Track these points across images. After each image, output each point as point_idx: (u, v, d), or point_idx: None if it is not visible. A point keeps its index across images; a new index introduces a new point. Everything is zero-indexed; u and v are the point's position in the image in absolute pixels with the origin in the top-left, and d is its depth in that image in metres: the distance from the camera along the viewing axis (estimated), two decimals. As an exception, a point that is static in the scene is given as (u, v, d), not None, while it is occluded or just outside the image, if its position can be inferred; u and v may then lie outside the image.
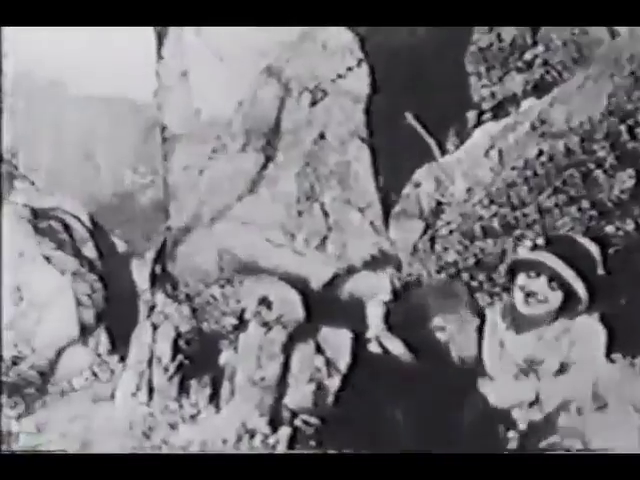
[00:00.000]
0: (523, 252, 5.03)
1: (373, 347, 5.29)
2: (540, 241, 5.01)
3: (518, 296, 4.96)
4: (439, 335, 5.20)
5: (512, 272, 5.03)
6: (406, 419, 5.00)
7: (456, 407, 5.02)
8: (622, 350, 4.99)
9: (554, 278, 4.88)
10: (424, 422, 4.97)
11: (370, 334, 5.33)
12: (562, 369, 4.95)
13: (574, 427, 4.80)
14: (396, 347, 5.20)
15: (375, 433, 4.98)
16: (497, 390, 5.02)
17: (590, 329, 4.96)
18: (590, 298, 4.92)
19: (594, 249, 4.99)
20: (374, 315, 5.37)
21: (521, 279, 4.96)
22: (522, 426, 4.93)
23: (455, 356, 5.17)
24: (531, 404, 4.94)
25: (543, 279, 4.90)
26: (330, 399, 5.17)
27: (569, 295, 4.91)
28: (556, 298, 4.91)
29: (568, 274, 4.88)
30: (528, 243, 5.04)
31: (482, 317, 5.21)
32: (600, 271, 4.97)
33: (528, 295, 4.92)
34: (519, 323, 5.03)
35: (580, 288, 4.89)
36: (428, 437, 4.91)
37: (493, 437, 4.96)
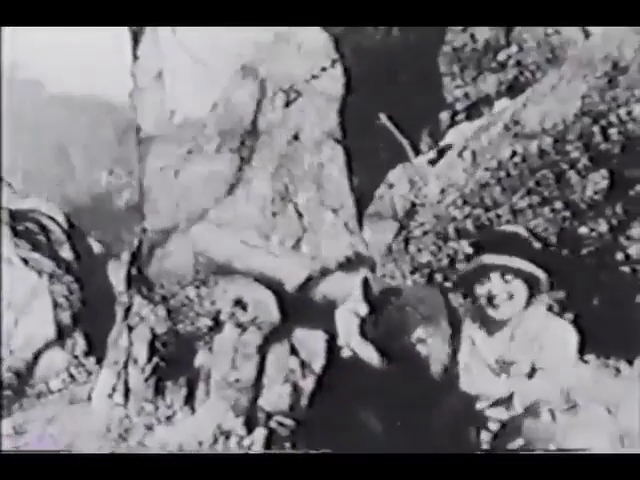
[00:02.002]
0: (462, 267, 5.07)
1: (345, 353, 5.30)
2: (468, 249, 5.05)
3: (484, 304, 4.98)
4: (420, 348, 5.21)
5: (468, 287, 5.05)
6: (380, 419, 5.02)
7: (429, 408, 5.04)
8: (595, 351, 5.00)
9: (504, 272, 4.90)
10: (397, 422, 4.99)
11: (341, 342, 5.34)
12: (533, 371, 4.96)
13: (545, 429, 4.81)
14: (368, 354, 5.21)
15: (349, 434, 5.00)
16: (472, 378, 5.03)
17: (561, 332, 4.97)
18: (546, 273, 4.93)
19: (520, 230, 5.01)
20: (344, 323, 5.37)
21: (478, 289, 4.98)
22: (493, 426, 4.94)
23: (436, 368, 5.18)
24: (506, 405, 4.95)
25: (495, 278, 4.91)
26: (304, 400, 5.19)
27: (527, 280, 4.92)
28: (518, 289, 4.91)
29: (513, 262, 4.88)
30: (460, 256, 5.08)
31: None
32: (536, 245, 4.99)
33: (491, 299, 4.93)
34: (489, 323, 5.03)
35: (531, 267, 4.89)
36: (401, 437, 4.93)
37: (465, 438, 4.98)
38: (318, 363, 5.27)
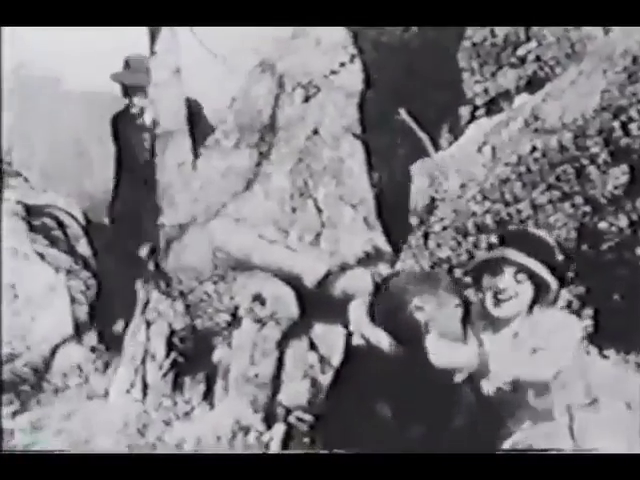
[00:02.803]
0: (481, 254, 5.03)
1: (356, 340, 5.26)
2: (493, 239, 5.00)
3: (488, 298, 4.89)
4: (418, 315, 5.13)
5: (477, 277, 4.98)
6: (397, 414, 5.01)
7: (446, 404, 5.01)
8: (615, 346, 4.99)
9: (519, 271, 4.83)
10: (415, 418, 4.98)
11: (352, 327, 5.30)
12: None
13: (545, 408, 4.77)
14: (378, 337, 5.14)
15: (368, 429, 4.99)
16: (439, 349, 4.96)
17: (566, 323, 4.91)
18: (559, 285, 4.87)
19: (547, 237, 4.96)
20: (355, 309, 5.33)
21: (486, 281, 4.88)
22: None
23: (437, 334, 5.08)
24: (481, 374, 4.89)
25: (508, 274, 4.84)
26: (323, 395, 5.18)
27: (538, 285, 4.87)
28: (526, 290, 4.85)
29: (532, 263, 4.83)
30: (483, 244, 5.03)
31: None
32: (559, 256, 4.93)
33: (496, 294, 4.84)
34: (494, 322, 4.96)
35: (547, 275, 4.82)
36: (419, 435, 4.92)
37: (484, 436, 4.95)
38: (337, 358, 5.26)
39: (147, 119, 6.30)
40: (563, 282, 4.90)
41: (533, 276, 4.80)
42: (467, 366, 4.88)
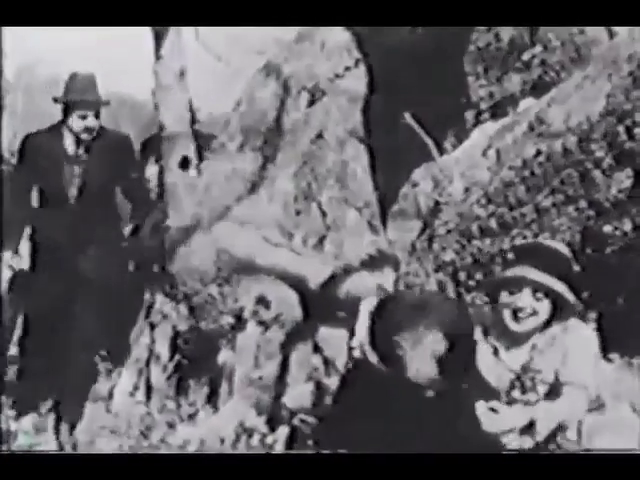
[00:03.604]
0: (499, 273, 4.99)
1: (356, 353, 5.24)
2: (510, 255, 4.97)
3: (506, 314, 4.85)
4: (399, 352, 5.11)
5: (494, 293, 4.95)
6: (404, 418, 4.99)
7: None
8: (619, 350, 4.99)
9: (537, 289, 4.78)
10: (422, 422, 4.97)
11: (355, 342, 5.26)
12: (556, 388, 4.86)
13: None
14: (373, 358, 5.12)
15: (372, 432, 4.98)
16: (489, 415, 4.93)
17: (582, 337, 4.89)
18: (578, 298, 4.85)
19: (563, 249, 4.92)
20: (361, 324, 5.30)
21: (504, 297, 4.83)
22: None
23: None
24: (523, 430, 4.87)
25: (527, 292, 4.79)
26: (328, 398, 5.18)
27: (556, 302, 4.84)
28: (544, 308, 4.80)
29: (550, 281, 4.79)
30: (499, 260, 5.02)
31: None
32: (576, 268, 4.90)
33: (515, 312, 4.81)
34: (509, 338, 4.94)
35: (566, 292, 4.78)
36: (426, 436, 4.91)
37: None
38: (341, 361, 5.26)
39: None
40: (579, 296, 4.86)
41: (551, 293, 4.75)
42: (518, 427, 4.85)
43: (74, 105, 6.04)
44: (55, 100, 6.10)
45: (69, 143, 6.05)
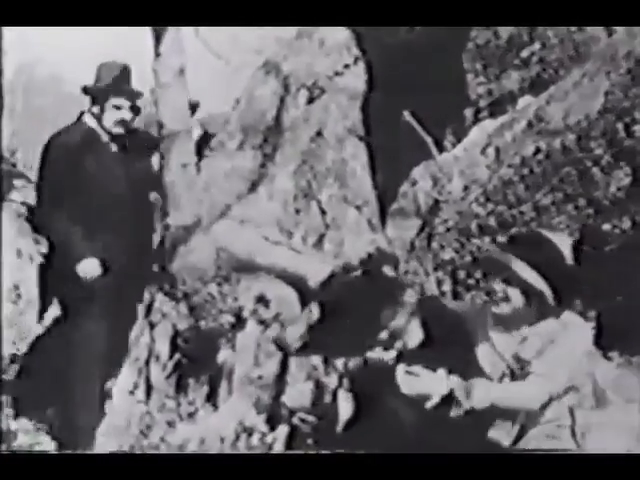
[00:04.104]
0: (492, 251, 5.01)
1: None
2: (502, 239, 4.97)
3: (482, 295, 4.89)
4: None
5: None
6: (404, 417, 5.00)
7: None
8: (619, 348, 4.99)
9: (511, 279, 4.77)
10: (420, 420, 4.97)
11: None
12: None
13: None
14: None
15: (373, 430, 4.99)
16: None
17: (575, 334, 4.88)
18: (560, 293, 4.82)
19: (559, 241, 4.89)
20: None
21: (489, 279, 4.86)
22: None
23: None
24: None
25: (502, 278, 4.79)
26: (328, 397, 5.18)
27: (528, 292, 4.83)
28: (516, 296, 4.80)
29: (528, 274, 4.78)
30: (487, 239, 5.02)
31: None
32: (569, 262, 4.89)
33: (489, 294, 4.83)
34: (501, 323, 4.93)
35: (542, 286, 4.80)
36: (425, 435, 4.91)
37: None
38: (341, 360, 5.26)
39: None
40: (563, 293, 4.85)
41: (523, 284, 4.75)
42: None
43: (107, 94, 5.72)
44: (85, 91, 5.78)
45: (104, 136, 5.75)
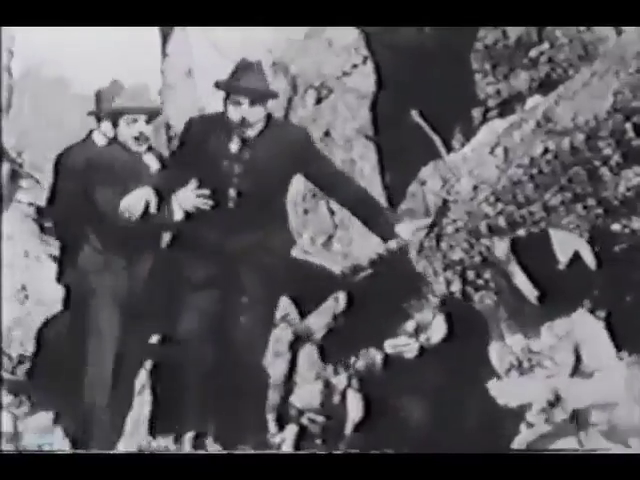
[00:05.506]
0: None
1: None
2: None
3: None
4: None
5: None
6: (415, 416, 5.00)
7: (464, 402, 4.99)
8: (628, 348, 4.99)
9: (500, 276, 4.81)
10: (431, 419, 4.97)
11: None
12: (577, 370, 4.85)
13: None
14: None
15: (383, 431, 4.99)
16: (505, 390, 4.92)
17: (592, 329, 4.89)
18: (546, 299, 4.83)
19: (579, 248, 4.90)
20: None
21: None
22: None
23: None
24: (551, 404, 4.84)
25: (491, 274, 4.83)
26: (337, 397, 5.18)
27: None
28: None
29: (519, 279, 4.82)
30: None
31: None
32: (592, 267, 4.89)
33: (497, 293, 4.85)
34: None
35: (528, 291, 4.80)
36: (436, 436, 4.91)
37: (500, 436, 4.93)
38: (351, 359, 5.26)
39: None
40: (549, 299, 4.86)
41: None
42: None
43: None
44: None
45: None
